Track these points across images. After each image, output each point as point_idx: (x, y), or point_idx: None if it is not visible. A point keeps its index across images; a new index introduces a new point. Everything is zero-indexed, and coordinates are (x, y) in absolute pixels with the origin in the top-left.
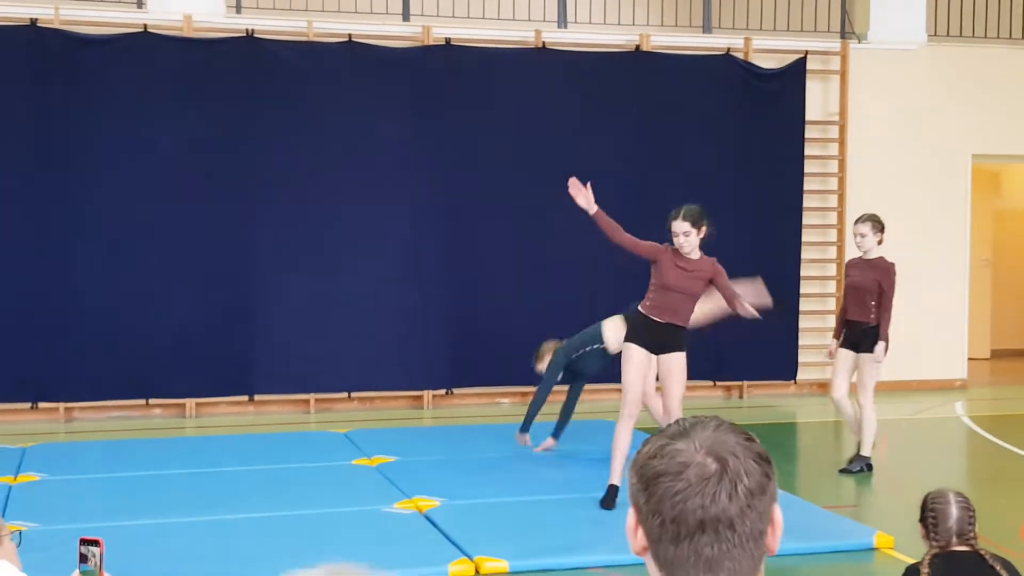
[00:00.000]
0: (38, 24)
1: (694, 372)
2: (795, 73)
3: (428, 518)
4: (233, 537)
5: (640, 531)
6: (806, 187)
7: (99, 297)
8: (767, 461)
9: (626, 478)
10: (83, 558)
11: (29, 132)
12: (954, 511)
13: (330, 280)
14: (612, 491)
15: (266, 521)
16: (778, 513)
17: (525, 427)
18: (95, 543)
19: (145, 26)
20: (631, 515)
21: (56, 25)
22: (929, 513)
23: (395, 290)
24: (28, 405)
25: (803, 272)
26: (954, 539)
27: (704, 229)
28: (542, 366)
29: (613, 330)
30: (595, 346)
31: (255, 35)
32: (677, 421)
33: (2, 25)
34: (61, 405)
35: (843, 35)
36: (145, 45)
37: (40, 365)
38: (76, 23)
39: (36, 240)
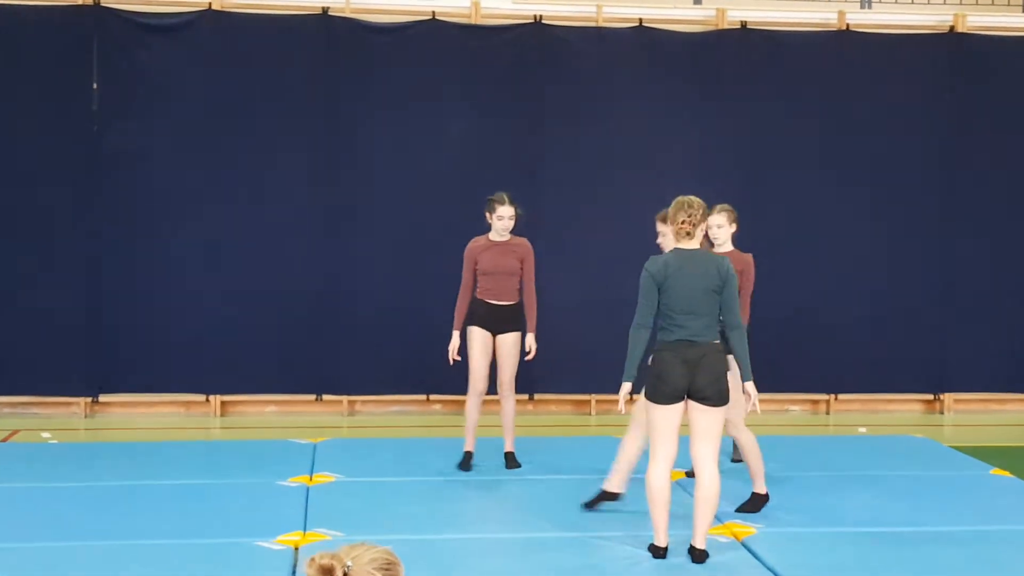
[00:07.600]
0: (329, 12)
1: (998, 383)
2: None
3: None
4: (490, 557)
5: None
6: None
7: (384, 293)
8: None
9: None
10: None
11: (318, 119)
12: None
13: (609, 276)
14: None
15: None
16: None
17: None
18: None
19: (433, 13)
20: None
21: (347, 13)
22: None
23: None
24: (313, 397)
25: None
26: None
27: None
28: None
29: None
30: None
31: (543, 21)
32: None
33: (296, 14)
34: (345, 398)
35: None
36: (433, 32)
37: (326, 359)
38: (366, 11)
39: (324, 234)
